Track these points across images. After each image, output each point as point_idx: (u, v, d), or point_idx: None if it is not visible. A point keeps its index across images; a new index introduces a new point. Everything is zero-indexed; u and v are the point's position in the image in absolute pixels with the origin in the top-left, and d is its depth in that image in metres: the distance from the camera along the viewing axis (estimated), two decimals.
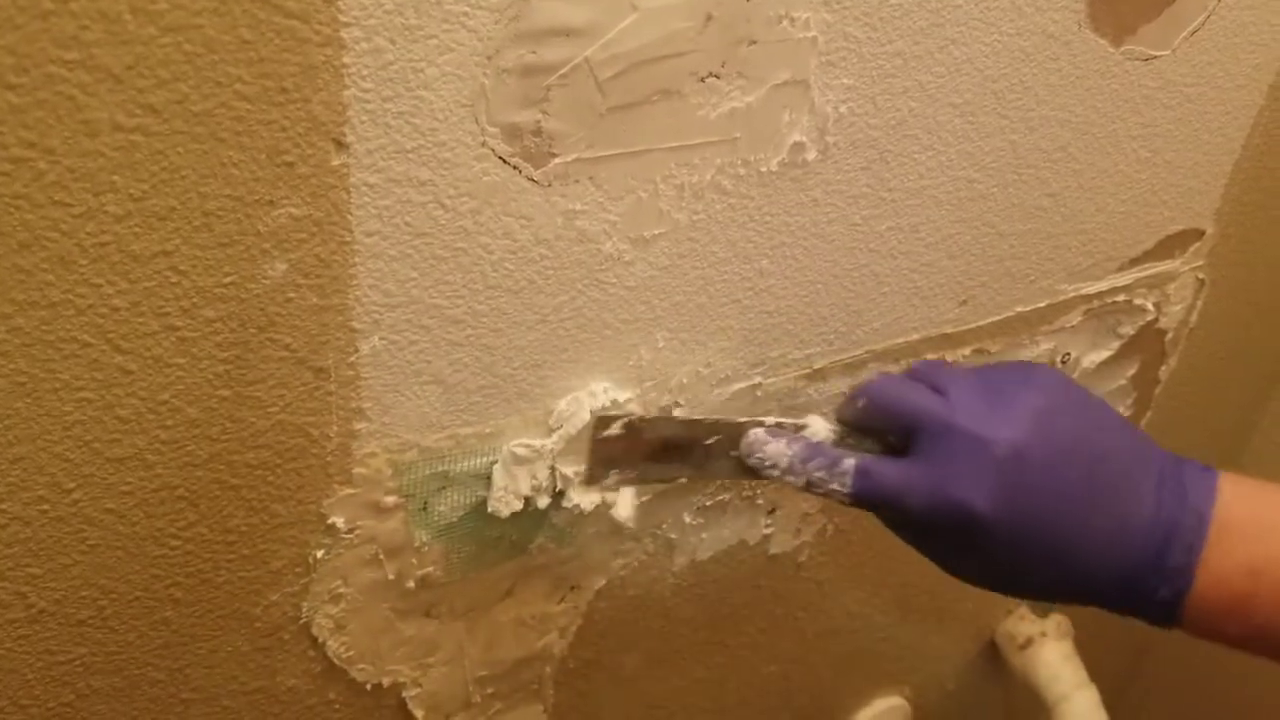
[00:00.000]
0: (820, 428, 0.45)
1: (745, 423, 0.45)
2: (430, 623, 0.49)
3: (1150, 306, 0.68)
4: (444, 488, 0.45)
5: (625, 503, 0.47)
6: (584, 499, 0.48)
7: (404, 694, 0.51)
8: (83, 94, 0.30)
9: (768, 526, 0.60)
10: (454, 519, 0.46)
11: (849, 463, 0.42)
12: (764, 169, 0.45)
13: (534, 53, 0.36)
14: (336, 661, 0.47)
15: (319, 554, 0.43)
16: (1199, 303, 0.72)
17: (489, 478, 0.45)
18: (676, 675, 0.64)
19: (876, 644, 0.76)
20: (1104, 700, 0.80)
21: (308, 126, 0.34)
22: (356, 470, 0.42)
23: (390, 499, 0.44)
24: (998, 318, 0.60)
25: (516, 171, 0.39)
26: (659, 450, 0.44)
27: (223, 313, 0.36)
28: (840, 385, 0.55)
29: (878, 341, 0.55)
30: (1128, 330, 0.68)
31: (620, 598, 0.56)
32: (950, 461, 0.41)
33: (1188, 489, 0.41)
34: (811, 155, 0.46)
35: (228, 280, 0.35)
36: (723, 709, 0.70)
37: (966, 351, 0.60)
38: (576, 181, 0.40)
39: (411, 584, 0.47)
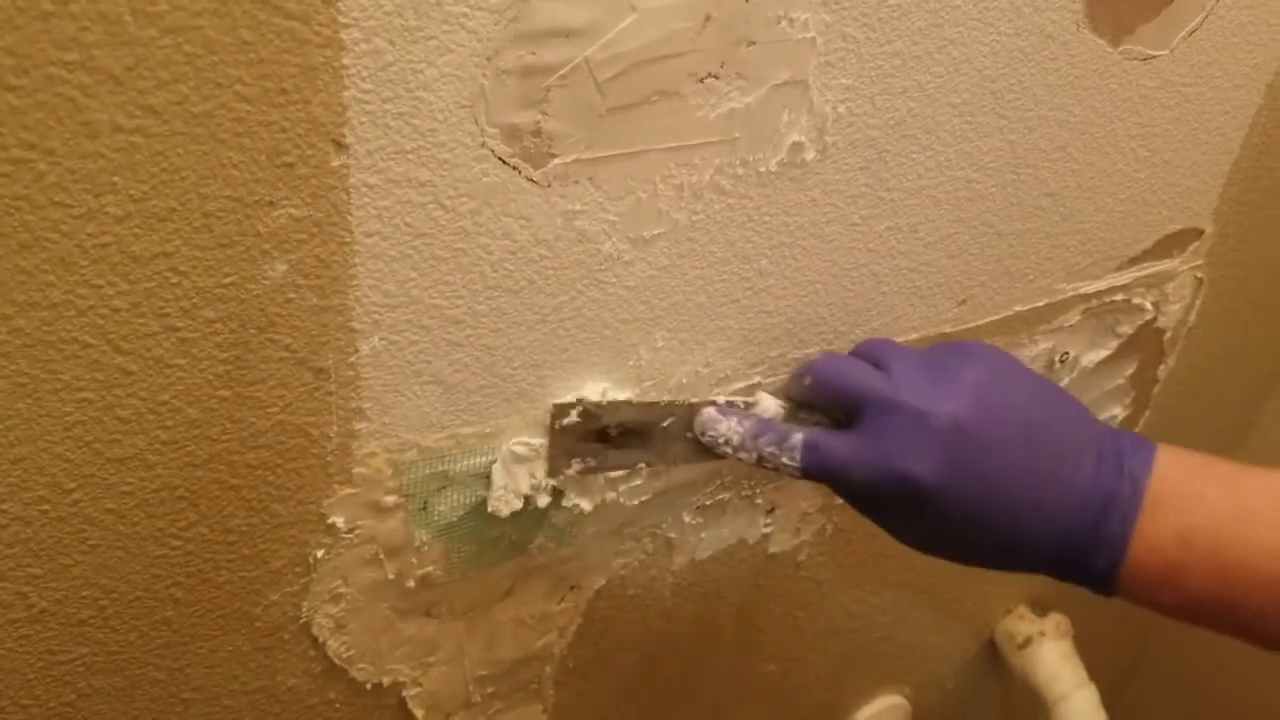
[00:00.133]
0: (770, 404, 0.47)
1: (698, 403, 0.46)
2: (430, 622, 0.49)
3: (1149, 306, 0.68)
4: (444, 487, 0.45)
5: (588, 494, 0.48)
6: (583, 499, 0.48)
7: (404, 693, 0.51)
8: (83, 95, 0.30)
9: (767, 526, 0.60)
10: (454, 518, 0.46)
11: (798, 437, 0.44)
12: (763, 169, 0.45)
13: (533, 54, 0.37)
14: (337, 661, 0.47)
15: (319, 554, 0.43)
16: (1197, 302, 0.72)
17: (489, 477, 0.45)
18: (676, 675, 0.64)
19: (876, 643, 0.76)
20: (1103, 699, 0.80)
21: (308, 127, 0.34)
22: (356, 470, 0.42)
23: (390, 499, 0.44)
24: (996, 317, 0.60)
25: (516, 172, 0.39)
26: (618, 436, 0.45)
27: (223, 313, 0.36)
28: None
29: None
30: (1126, 329, 0.68)
31: (620, 597, 0.56)
32: (893, 434, 0.42)
33: (1125, 460, 0.42)
34: (810, 155, 0.46)
35: (228, 281, 0.35)
36: (723, 708, 0.70)
37: None
38: (576, 182, 0.40)
39: (411, 583, 0.47)
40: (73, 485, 0.36)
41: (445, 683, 0.52)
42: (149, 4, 0.30)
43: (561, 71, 0.37)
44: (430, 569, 0.47)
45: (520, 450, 0.45)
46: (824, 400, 0.47)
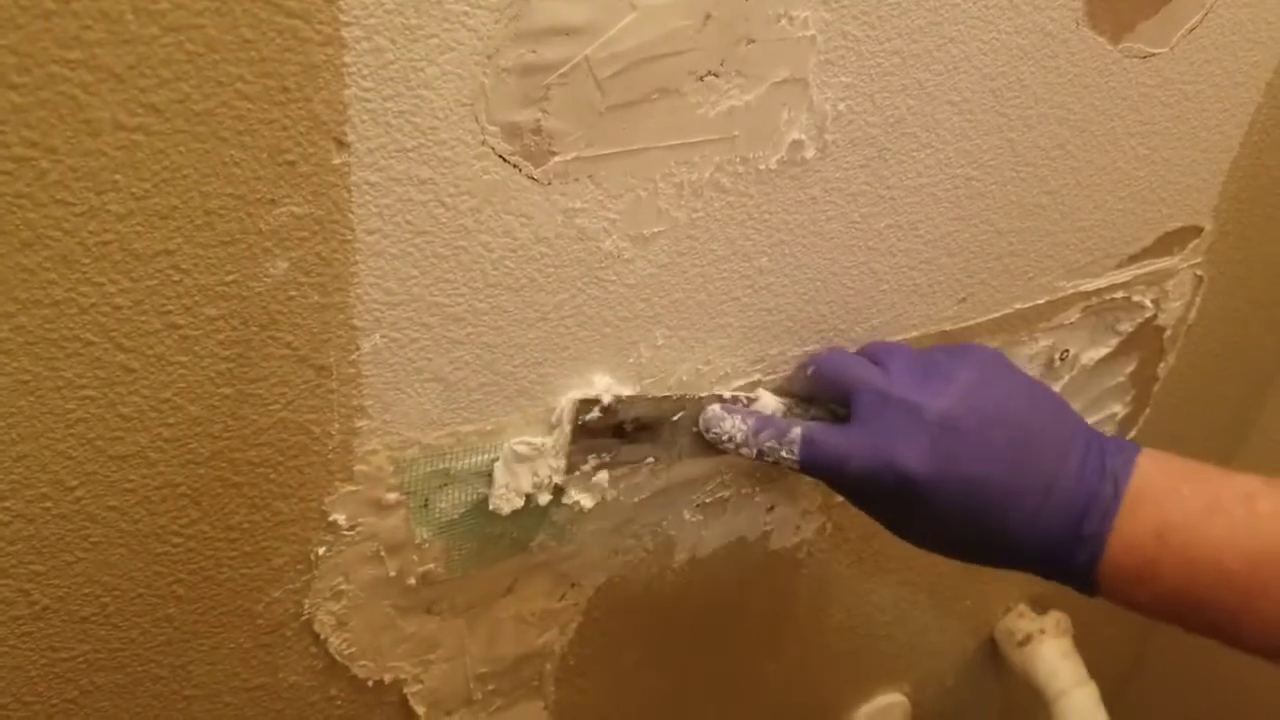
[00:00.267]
0: (770, 401, 0.49)
1: (704, 398, 0.48)
2: (431, 619, 0.49)
3: (1148, 303, 0.68)
4: (445, 485, 0.45)
5: (594, 490, 0.48)
6: (584, 496, 0.48)
7: (405, 690, 0.51)
8: (85, 93, 0.30)
9: (767, 523, 0.60)
10: (455, 516, 0.46)
11: (796, 432, 0.45)
12: (763, 167, 0.45)
13: (534, 52, 0.37)
14: (338, 658, 0.47)
15: (320, 551, 0.43)
16: (1197, 300, 0.72)
17: (490, 475, 0.46)
18: (676, 672, 0.64)
19: (876, 641, 0.76)
20: (1103, 697, 0.80)
21: (309, 125, 0.34)
22: (358, 467, 0.42)
23: (392, 496, 0.44)
24: (996, 315, 0.60)
25: (516, 170, 0.39)
26: (632, 431, 0.47)
27: (224, 311, 0.36)
28: None
29: (877, 338, 0.55)
30: (1126, 327, 0.68)
31: (620, 595, 0.56)
32: (887, 428, 0.44)
33: (1108, 461, 0.43)
34: (810, 153, 0.46)
35: (229, 278, 0.35)
36: (723, 706, 0.70)
37: None
38: (576, 180, 0.40)
39: (413, 581, 0.47)
40: (75, 482, 0.36)
41: (446, 680, 0.52)
42: (150, 2, 0.30)
43: (562, 69, 0.37)
44: (431, 566, 0.47)
45: (522, 449, 0.45)
46: (823, 392, 0.49)
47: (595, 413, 0.45)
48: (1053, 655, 0.81)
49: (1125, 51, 0.54)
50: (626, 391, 0.47)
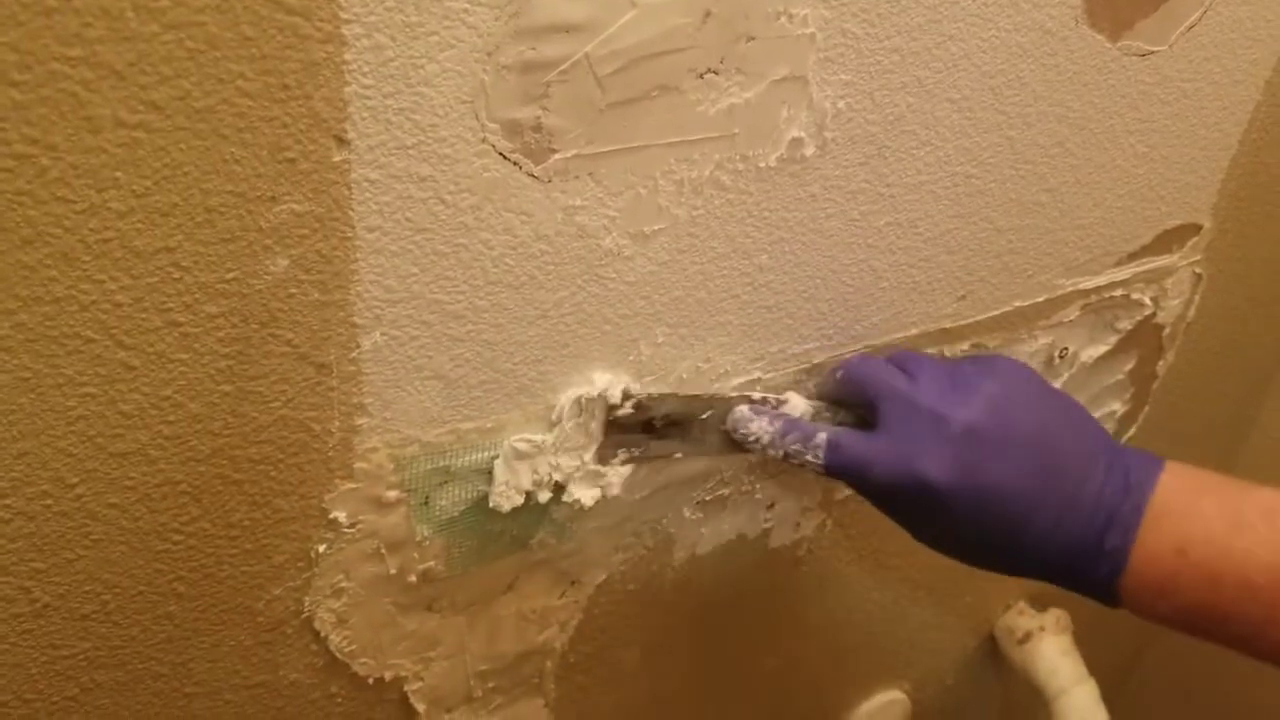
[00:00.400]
0: (799, 403, 0.50)
1: (734, 398, 0.49)
2: (432, 617, 0.49)
3: (1148, 301, 0.68)
4: (445, 482, 0.45)
5: (618, 480, 0.49)
6: (584, 493, 0.48)
7: (406, 688, 0.51)
8: (85, 91, 0.30)
9: (767, 521, 0.60)
10: (455, 514, 0.46)
11: (821, 437, 0.46)
12: (762, 164, 0.45)
13: (534, 49, 0.37)
14: (339, 655, 0.47)
15: (321, 549, 0.44)
16: (1196, 297, 0.72)
17: (490, 472, 0.46)
18: (677, 669, 0.64)
19: (876, 638, 0.76)
20: (1103, 694, 0.80)
21: (309, 123, 0.34)
22: (358, 465, 0.42)
23: (392, 494, 0.44)
24: (996, 313, 0.60)
25: (516, 167, 0.39)
26: (661, 427, 0.48)
27: (225, 308, 0.36)
28: None
29: (876, 336, 0.55)
30: (1125, 325, 0.68)
31: (620, 592, 0.56)
32: (910, 436, 0.45)
33: (1130, 475, 0.44)
34: (810, 151, 0.46)
35: (230, 276, 0.35)
36: (723, 703, 0.70)
37: (965, 346, 0.60)
38: (576, 177, 0.40)
39: (413, 578, 0.47)
40: (75, 480, 0.36)
41: (447, 677, 0.52)
42: (151, 0, 0.30)
43: (562, 67, 0.38)
44: (432, 564, 0.47)
45: (522, 447, 0.45)
46: (851, 397, 0.50)
47: (627, 409, 0.46)
48: (1052, 653, 0.81)
49: (1124, 49, 0.54)
50: (634, 388, 0.47)
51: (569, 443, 0.46)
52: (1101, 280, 0.64)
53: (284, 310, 0.37)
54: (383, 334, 0.40)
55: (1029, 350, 0.64)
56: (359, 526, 0.44)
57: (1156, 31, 0.54)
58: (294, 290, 0.37)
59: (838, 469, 0.46)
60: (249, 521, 0.41)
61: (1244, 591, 0.40)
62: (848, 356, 0.50)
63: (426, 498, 0.45)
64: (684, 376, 0.49)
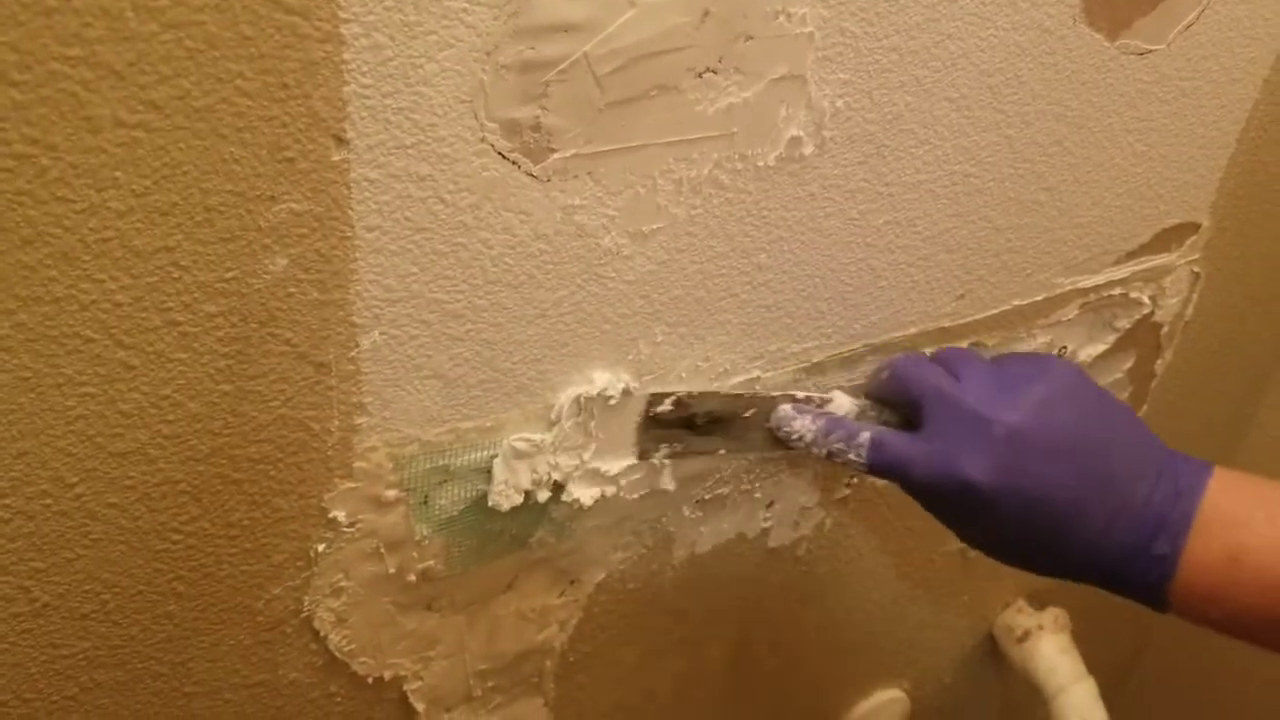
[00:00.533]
0: (844, 402, 0.51)
1: (778, 396, 0.50)
2: (431, 616, 0.49)
3: (1146, 300, 0.68)
4: (445, 482, 0.45)
5: (668, 475, 0.50)
6: (583, 493, 0.48)
7: (405, 687, 0.51)
8: (85, 90, 0.30)
9: (766, 520, 0.61)
10: (455, 513, 0.46)
11: (865, 435, 0.47)
12: (761, 164, 0.45)
13: (533, 48, 0.37)
14: (338, 655, 0.47)
15: (320, 548, 0.44)
16: (1194, 296, 0.72)
17: (489, 472, 0.46)
18: (676, 668, 0.64)
19: (875, 637, 0.76)
20: (1102, 692, 0.80)
21: (308, 122, 0.34)
22: (357, 464, 0.42)
23: (391, 493, 0.44)
24: (994, 311, 0.60)
25: (515, 167, 0.39)
26: (703, 424, 0.48)
27: (224, 308, 0.36)
28: (838, 378, 0.55)
29: (875, 335, 0.55)
30: (1124, 324, 0.68)
31: (620, 591, 0.57)
32: (954, 437, 0.44)
33: (1179, 482, 0.44)
34: (808, 150, 0.46)
35: (229, 275, 0.35)
36: (722, 702, 0.70)
37: (963, 345, 0.60)
38: (575, 177, 0.41)
39: (412, 577, 0.47)
40: (75, 479, 0.36)
41: (446, 676, 0.52)
42: (150, 0, 0.30)
43: (561, 66, 0.38)
44: (431, 563, 0.47)
45: (521, 446, 0.45)
46: (896, 397, 0.50)
47: (667, 405, 0.47)
48: (1051, 651, 0.81)
49: (1122, 48, 0.54)
50: (636, 385, 0.47)
51: (568, 442, 0.46)
52: (1100, 279, 0.64)
53: (283, 309, 0.37)
54: (382, 333, 0.40)
55: (1027, 349, 0.64)
56: (358, 526, 0.44)
57: (1154, 30, 0.54)
58: (293, 289, 0.37)
59: (881, 468, 0.46)
60: (248, 521, 0.41)
61: None
62: (895, 356, 0.49)
63: (426, 497, 0.45)
64: (683, 375, 0.49)
